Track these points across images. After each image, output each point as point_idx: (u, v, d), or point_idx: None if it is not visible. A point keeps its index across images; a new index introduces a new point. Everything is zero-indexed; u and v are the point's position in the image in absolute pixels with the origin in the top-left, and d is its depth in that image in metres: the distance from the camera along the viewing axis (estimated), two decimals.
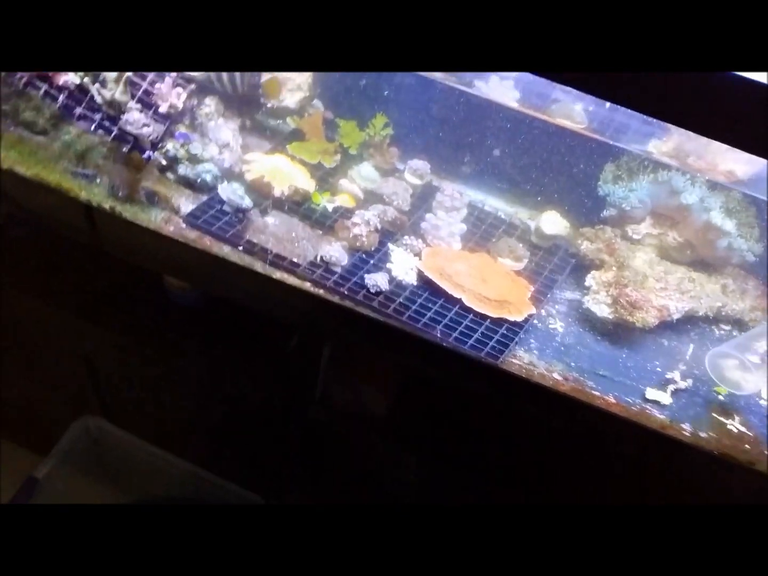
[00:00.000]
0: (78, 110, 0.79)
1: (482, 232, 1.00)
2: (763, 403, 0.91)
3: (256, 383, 1.14)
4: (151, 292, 1.14)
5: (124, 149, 0.79)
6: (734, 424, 0.88)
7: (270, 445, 1.27)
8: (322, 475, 1.28)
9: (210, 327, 1.15)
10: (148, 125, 0.77)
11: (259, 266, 0.88)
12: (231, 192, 0.89)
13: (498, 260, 0.97)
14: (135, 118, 0.77)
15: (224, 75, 0.92)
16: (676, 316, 0.94)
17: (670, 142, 0.99)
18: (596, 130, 0.89)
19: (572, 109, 0.90)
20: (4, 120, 0.87)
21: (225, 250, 0.88)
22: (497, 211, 1.04)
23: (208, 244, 0.88)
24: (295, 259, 0.89)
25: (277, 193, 0.92)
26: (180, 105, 0.82)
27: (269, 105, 0.97)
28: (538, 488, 1.07)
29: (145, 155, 0.79)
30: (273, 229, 0.91)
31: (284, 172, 0.93)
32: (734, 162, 0.96)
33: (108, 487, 1.52)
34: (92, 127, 0.80)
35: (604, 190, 0.99)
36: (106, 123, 0.78)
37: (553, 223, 0.99)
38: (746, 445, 0.86)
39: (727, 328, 1.00)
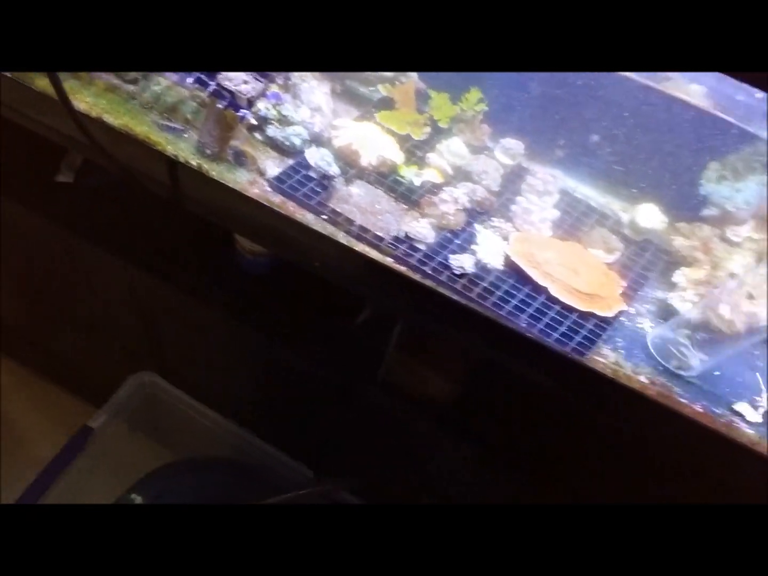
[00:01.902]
0: None
1: (573, 220, 0.95)
2: None
3: (318, 357, 1.11)
4: (222, 255, 1.12)
5: (219, 105, 0.75)
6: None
7: (324, 421, 1.25)
8: (374, 459, 1.25)
9: (276, 295, 1.13)
10: (247, 82, 0.73)
11: (341, 237, 0.84)
12: (319, 158, 0.85)
13: (589, 250, 0.91)
14: (235, 74, 0.73)
15: None
16: (765, 325, 0.87)
17: None
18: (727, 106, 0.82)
19: (688, 90, 0.83)
20: None
21: (308, 218, 0.85)
22: (588, 199, 0.98)
23: (291, 209, 0.85)
24: (378, 233, 0.85)
25: (364, 162, 0.88)
26: None
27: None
28: (607, 492, 1.02)
29: (240, 113, 0.76)
30: (357, 200, 0.88)
31: (372, 140, 0.89)
32: None
33: (157, 443, 1.53)
34: (190, 80, 0.76)
35: (707, 188, 0.92)
36: (204, 77, 0.75)
37: (649, 216, 0.93)
38: None
39: None
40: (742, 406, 0.84)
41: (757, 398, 0.85)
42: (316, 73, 0.91)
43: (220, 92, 0.74)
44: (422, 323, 0.94)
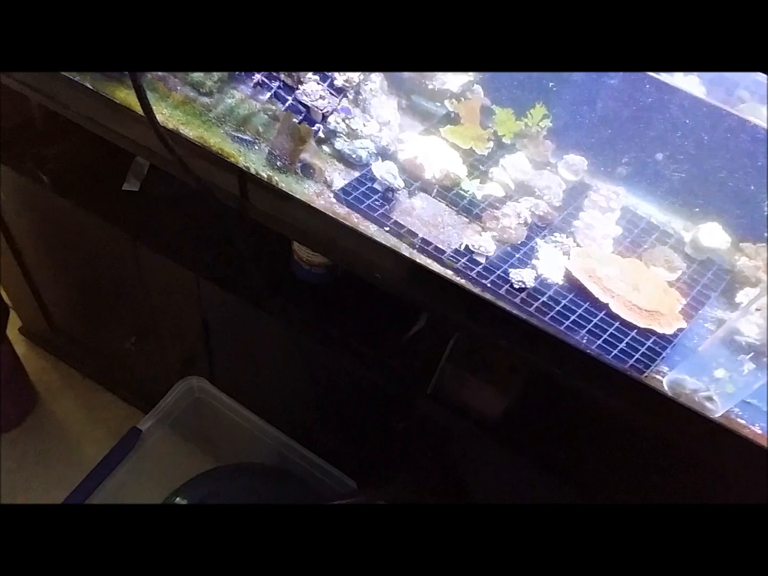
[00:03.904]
0: (257, 76, 0.82)
1: (634, 236, 0.98)
2: None
3: (370, 367, 1.16)
4: (280, 264, 1.18)
5: (294, 120, 0.82)
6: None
7: (372, 431, 1.30)
8: (420, 471, 1.29)
9: (332, 306, 1.19)
10: (323, 98, 0.80)
11: (404, 248, 0.90)
12: (384, 170, 0.91)
13: (651, 268, 0.95)
14: (312, 90, 0.80)
15: None
16: None
17: None
18: None
19: (761, 113, 0.86)
20: (173, 78, 0.92)
21: (372, 229, 0.90)
22: (650, 217, 1.02)
23: (356, 221, 0.91)
24: (440, 245, 0.90)
25: (427, 175, 0.93)
26: (354, 79, 0.84)
27: (430, 86, 0.98)
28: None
29: (315, 128, 0.82)
30: (420, 212, 0.93)
31: (437, 154, 0.95)
32: None
33: (203, 448, 1.60)
34: (268, 95, 0.83)
35: None
36: (281, 92, 0.81)
37: (713, 235, 0.96)
38: None
39: None
40: None
41: None
42: (385, 88, 0.97)
43: (296, 107, 0.80)
44: (478, 336, 0.98)
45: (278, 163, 0.88)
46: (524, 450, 1.12)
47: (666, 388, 0.87)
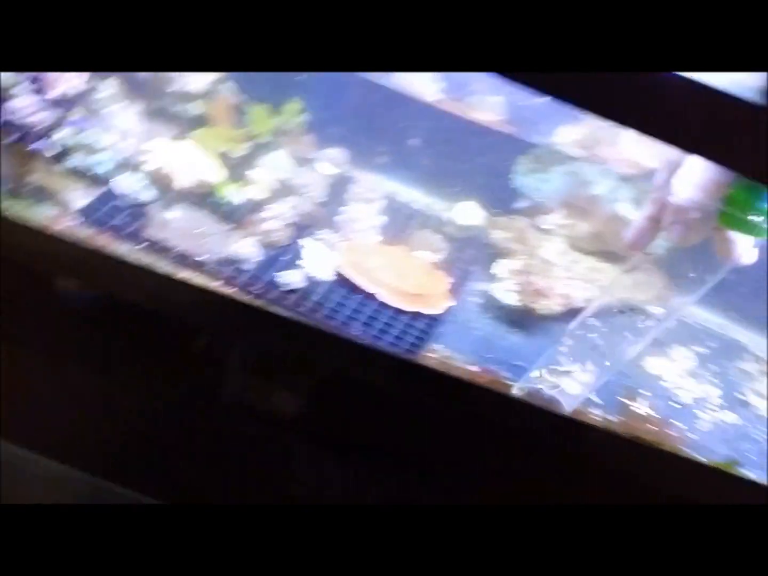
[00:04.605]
0: None
1: (399, 224, 1.03)
2: (663, 384, 1.01)
3: (161, 386, 1.12)
4: (44, 295, 1.09)
5: (7, 141, 0.75)
6: (640, 406, 0.97)
7: (179, 450, 1.26)
8: (233, 478, 1.28)
9: (109, 329, 1.12)
10: (38, 112, 0.73)
11: (161, 265, 0.87)
12: (129, 184, 0.87)
13: (416, 253, 1.00)
14: (20, 105, 0.73)
15: None
16: (580, 305, 1.01)
17: (580, 129, 1.04)
18: (513, 121, 0.93)
19: (491, 100, 0.93)
20: None
21: (123, 249, 0.86)
22: (413, 201, 1.07)
23: (104, 242, 0.86)
24: (201, 257, 0.89)
25: (180, 184, 0.91)
26: (77, 88, 0.78)
27: (174, 88, 0.94)
28: (459, 482, 1.12)
29: (33, 147, 0.75)
30: (177, 225, 0.90)
31: (188, 161, 0.92)
32: (641, 151, 1.03)
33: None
34: None
35: (518, 181, 1.04)
36: None
37: (469, 213, 1.04)
38: (652, 427, 0.95)
39: (632, 317, 1.08)
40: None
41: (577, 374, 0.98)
42: (124, 94, 0.92)
43: (6, 126, 0.73)
44: (259, 342, 0.99)
45: (4, 190, 0.81)
46: (330, 444, 1.15)
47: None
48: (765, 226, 0.61)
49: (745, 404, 1.08)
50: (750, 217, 0.61)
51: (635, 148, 1.01)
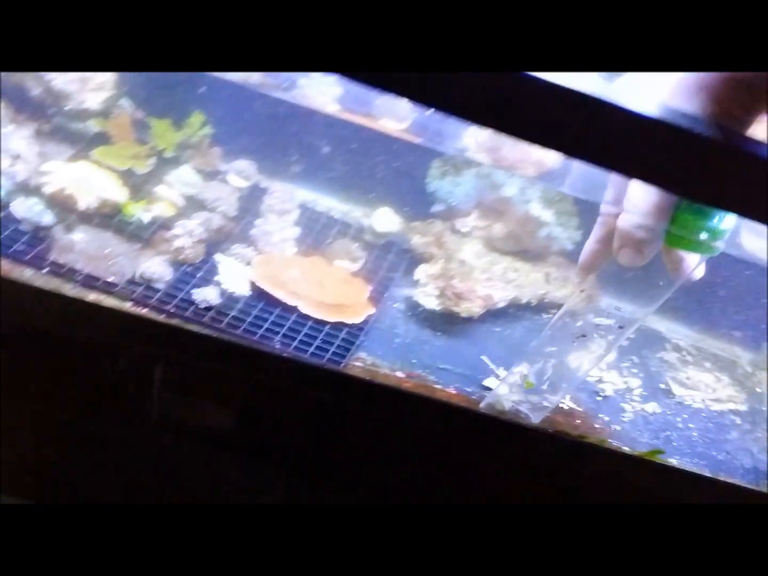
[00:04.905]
0: None
1: (316, 233, 1.03)
2: (589, 378, 1.04)
3: (86, 413, 1.08)
4: None
5: None
6: (565, 402, 1.00)
7: (112, 476, 1.22)
8: (166, 496, 1.25)
9: (22, 359, 1.07)
10: None
11: (68, 289, 0.84)
12: (27, 208, 0.84)
13: (334, 262, 1.00)
14: None
15: (12, 75, 0.86)
16: (500, 305, 1.03)
17: (484, 132, 1.06)
18: (419, 126, 0.95)
19: (395, 105, 0.95)
20: None
21: (27, 275, 0.83)
22: (330, 210, 1.07)
23: (6, 269, 0.82)
24: (110, 278, 0.86)
25: (82, 206, 0.88)
26: None
27: (69, 107, 0.92)
28: (394, 486, 1.12)
29: None
30: (82, 247, 0.88)
31: (90, 181, 0.90)
32: (544, 152, 1.06)
33: None
34: None
35: (433, 185, 1.06)
36: None
37: (385, 219, 1.05)
38: (577, 420, 0.98)
39: (552, 313, 1.11)
40: (490, 381, 0.99)
41: (502, 373, 1.00)
42: (13, 116, 0.89)
43: None
44: (180, 360, 0.96)
45: None
46: (265, 456, 1.13)
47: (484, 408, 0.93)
48: (712, 244, 0.63)
49: (667, 393, 1.13)
50: (696, 237, 0.63)
51: (538, 150, 1.04)
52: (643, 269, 0.70)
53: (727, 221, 0.63)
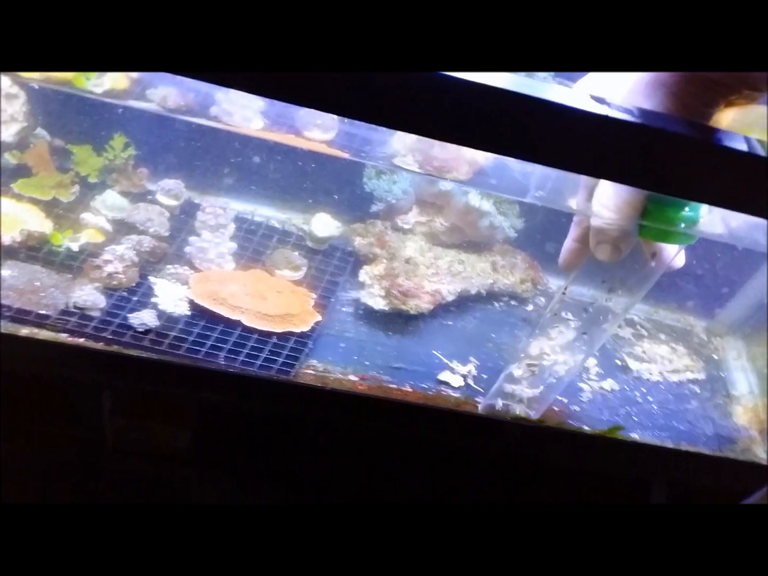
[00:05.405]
0: None
1: (255, 245, 1.03)
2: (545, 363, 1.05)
3: (40, 446, 1.06)
4: None
5: None
6: (522, 389, 1.00)
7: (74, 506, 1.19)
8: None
9: None
10: None
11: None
12: None
13: (276, 273, 1.00)
14: None
15: None
16: (449, 299, 1.04)
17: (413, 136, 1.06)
18: (346, 134, 0.95)
19: (321, 116, 0.94)
20: None
21: None
22: (269, 220, 1.07)
23: None
24: (42, 311, 0.85)
25: (6, 240, 0.87)
26: None
27: None
28: (362, 489, 1.12)
29: None
30: (11, 282, 0.86)
31: (11, 215, 0.88)
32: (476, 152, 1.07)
33: None
34: None
35: (369, 185, 1.06)
36: None
37: (324, 224, 1.05)
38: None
39: (503, 302, 1.12)
40: (445, 376, 0.99)
41: (456, 366, 1.01)
42: None
43: None
44: (126, 386, 0.95)
45: None
46: (226, 471, 1.13)
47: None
48: (687, 232, 0.64)
49: (623, 369, 1.14)
50: (670, 228, 0.64)
51: (470, 150, 1.05)
52: (624, 262, 0.72)
53: (699, 209, 0.64)
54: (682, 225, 0.64)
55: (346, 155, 0.83)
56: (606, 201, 0.63)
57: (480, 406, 0.96)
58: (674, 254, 0.70)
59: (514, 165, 0.89)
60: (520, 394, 0.96)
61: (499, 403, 0.94)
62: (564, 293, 0.83)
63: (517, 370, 0.93)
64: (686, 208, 0.63)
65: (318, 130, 0.89)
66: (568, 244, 0.74)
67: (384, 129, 0.96)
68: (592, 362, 1.12)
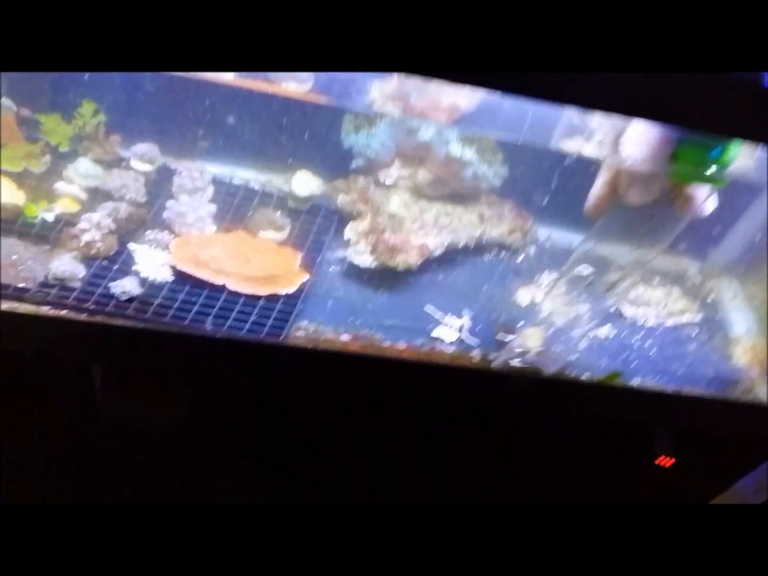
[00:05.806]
0: None
1: (236, 207, 1.01)
2: (536, 312, 1.04)
3: (31, 422, 1.05)
4: None
5: None
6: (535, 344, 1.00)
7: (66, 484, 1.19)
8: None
9: None
10: None
11: None
12: None
13: (259, 235, 0.98)
14: None
15: None
16: (437, 252, 1.03)
17: (389, 84, 1.04)
18: (323, 86, 0.93)
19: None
20: None
21: None
22: (248, 182, 1.05)
23: None
24: (21, 284, 0.83)
25: None
26: None
27: None
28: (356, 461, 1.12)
29: None
30: None
31: None
32: (456, 96, 1.05)
33: None
34: None
35: (348, 141, 1.04)
36: None
37: (305, 183, 1.03)
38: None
39: (490, 253, 1.11)
40: (439, 331, 0.98)
41: (450, 320, 1.00)
42: None
43: None
44: (114, 358, 0.94)
45: None
46: (220, 448, 1.12)
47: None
48: (718, 175, 0.65)
49: (618, 315, 1.14)
50: (701, 169, 0.65)
51: (446, 96, 1.03)
52: (650, 209, 0.72)
53: (730, 151, 0.64)
54: (714, 166, 0.64)
55: (323, 101, 0.82)
56: (638, 140, 0.64)
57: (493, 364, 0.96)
58: (705, 198, 0.70)
59: (498, 107, 0.88)
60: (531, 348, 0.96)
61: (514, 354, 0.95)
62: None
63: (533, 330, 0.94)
64: (717, 149, 0.64)
65: (294, 81, 0.88)
66: (596, 189, 0.74)
67: (360, 77, 0.95)
68: (586, 309, 1.11)
